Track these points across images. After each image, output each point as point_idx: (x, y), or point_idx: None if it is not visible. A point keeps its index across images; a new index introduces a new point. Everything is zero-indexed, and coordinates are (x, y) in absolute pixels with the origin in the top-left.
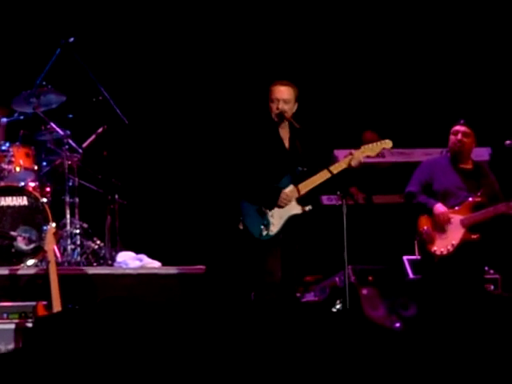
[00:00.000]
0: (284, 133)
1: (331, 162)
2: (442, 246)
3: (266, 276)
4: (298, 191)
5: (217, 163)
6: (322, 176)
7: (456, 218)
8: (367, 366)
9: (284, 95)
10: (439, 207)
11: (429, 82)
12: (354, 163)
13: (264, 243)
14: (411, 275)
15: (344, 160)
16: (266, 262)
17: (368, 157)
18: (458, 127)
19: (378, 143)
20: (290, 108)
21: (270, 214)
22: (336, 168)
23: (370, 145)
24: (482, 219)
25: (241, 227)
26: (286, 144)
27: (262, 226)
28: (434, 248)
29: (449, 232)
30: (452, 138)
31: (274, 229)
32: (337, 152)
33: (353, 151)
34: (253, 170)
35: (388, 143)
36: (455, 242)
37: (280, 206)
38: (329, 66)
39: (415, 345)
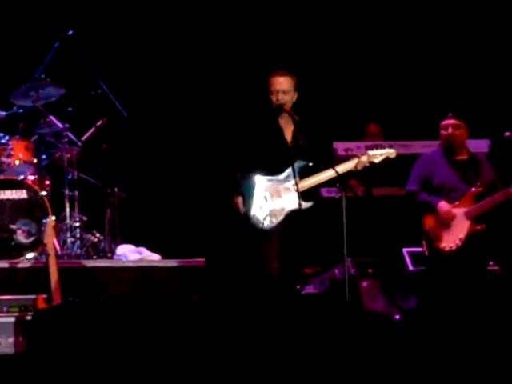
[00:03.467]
0: (285, 124)
1: (331, 154)
2: (450, 241)
3: (262, 266)
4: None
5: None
6: (327, 175)
7: (460, 212)
8: (367, 358)
9: (283, 86)
10: (443, 206)
11: (428, 73)
12: (360, 167)
13: (263, 233)
14: (411, 267)
15: (350, 162)
16: (263, 252)
17: (372, 163)
18: (446, 121)
19: (384, 151)
20: (290, 98)
21: (274, 204)
22: (342, 169)
23: (377, 152)
24: (485, 209)
25: (243, 210)
26: (288, 136)
27: (266, 215)
28: (443, 244)
29: (454, 226)
30: (443, 132)
31: (275, 220)
32: (336, 144)
33: (359, 155)
34: (253, 161)
35: (392, 153)
36: (462, 235)
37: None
38: (328, 57)
39: (415, 336)
